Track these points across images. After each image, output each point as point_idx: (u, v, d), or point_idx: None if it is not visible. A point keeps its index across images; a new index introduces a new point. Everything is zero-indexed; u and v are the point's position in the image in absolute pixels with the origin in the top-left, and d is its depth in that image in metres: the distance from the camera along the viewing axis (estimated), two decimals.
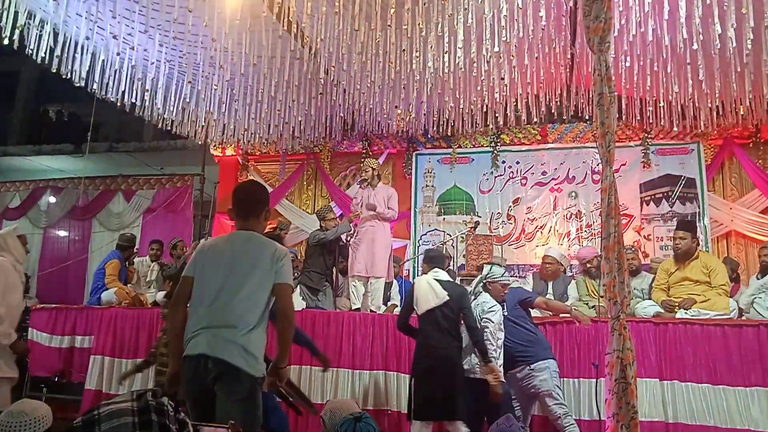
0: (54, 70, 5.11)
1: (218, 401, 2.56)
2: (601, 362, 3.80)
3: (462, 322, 4.31)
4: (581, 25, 4.62)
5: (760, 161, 7.49)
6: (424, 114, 6.92)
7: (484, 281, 4.56)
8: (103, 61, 5.52)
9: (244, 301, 2.67)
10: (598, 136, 3.08)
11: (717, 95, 6.08)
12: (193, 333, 2.65)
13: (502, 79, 5.70)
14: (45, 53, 4.92)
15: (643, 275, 6.03)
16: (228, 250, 2.80)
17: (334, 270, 6.50)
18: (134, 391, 1.28)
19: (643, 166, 7.83)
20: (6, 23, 4.56)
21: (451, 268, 6.53)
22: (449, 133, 7.51)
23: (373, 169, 6.13)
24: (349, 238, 6.27)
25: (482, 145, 8.37)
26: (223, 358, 2.55)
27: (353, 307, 5.82)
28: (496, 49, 4.69)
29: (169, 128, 6.87)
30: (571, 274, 7.04)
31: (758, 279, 5.62)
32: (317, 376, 5.21)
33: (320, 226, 6.50)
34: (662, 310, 5.10)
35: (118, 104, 5.91)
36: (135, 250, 7.60)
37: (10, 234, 4.49)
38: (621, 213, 3.20)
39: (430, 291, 4.34)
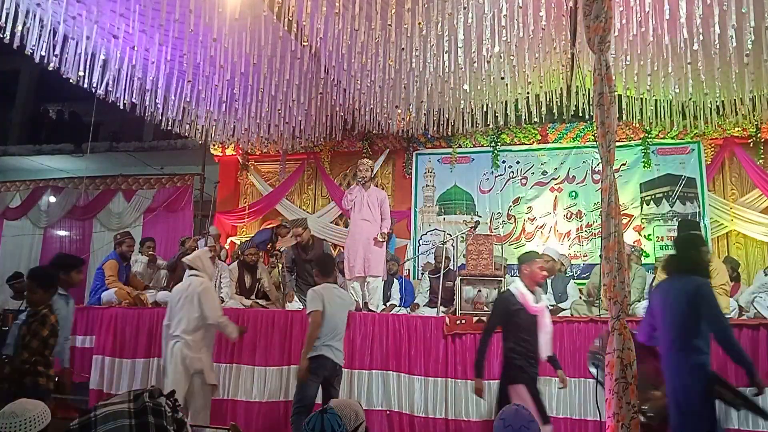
0: (54, 69, 5.11)
1: (334, 385, 4.49)
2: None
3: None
4: (581, 25, 4.61)
5: (760, 161, 7.49)
6: (424, 114, 6.90)
7: None
8: (103, 60, 5.52)
9: (343, 330, 4.67)
10: (599, 135, 3.07)
11: (717, 95, 6.07)
12: (325, 344, 4.41)
13: (502, 78, 5.69)
14: (45, 53, 4.92)
15: (647, 276, 6.01)
16: (336, 296, 4.60)
17: None
18: (131, 391, 1.27)
19: (644, 166, 7.83)
20: (6, 22, 4.55)
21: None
22: (449, 133, 7.51)
23: (370, 170, 6.13)
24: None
25: (482, 145, 8.37)
26: (341, 365, 4.57)
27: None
28: (497, 48, 4.69)
29: (169, 128, 6.86)
30: (571, 273, 7.04)
31: (766, 275, 5.59)
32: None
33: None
34: None
35: (119, 104, 5.90)
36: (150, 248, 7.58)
37: (205, 254, 5.04)
38: (621, 213, 3.19)
39: None
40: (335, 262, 5.17)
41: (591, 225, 7.86)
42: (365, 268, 5.80)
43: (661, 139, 7.79)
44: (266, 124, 7.07)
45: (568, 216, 8.03)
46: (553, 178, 8.14)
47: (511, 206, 8.21)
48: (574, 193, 8.08)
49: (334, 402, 2.42)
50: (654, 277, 5.75)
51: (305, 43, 5.33)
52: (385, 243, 6.01)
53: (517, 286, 4.20)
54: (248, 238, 7.80)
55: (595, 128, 3.15)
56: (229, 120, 7.27)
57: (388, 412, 5.10)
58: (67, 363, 4.62)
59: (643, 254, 7.40)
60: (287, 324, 5.49)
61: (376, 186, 6.68)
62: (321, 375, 4.39)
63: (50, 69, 5.07)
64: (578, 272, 7.56)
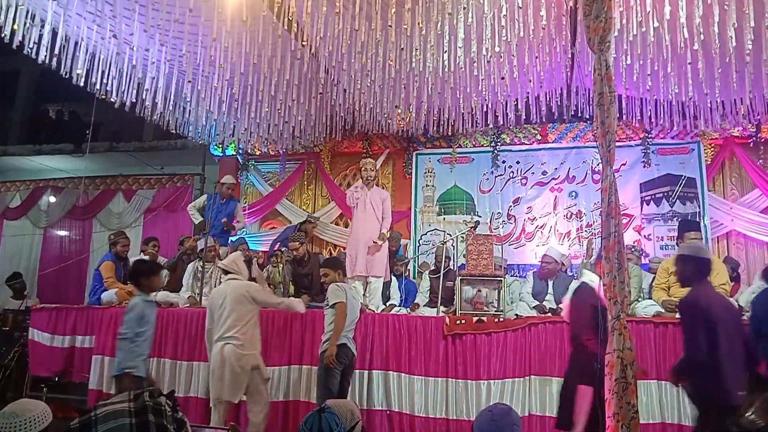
0: (55, 70, 5.12)
1: (347, 377, 4.72)
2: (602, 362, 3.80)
3: None
4: (581, 25, 4.62)
5: (760, 161, 7.49)
6: (424, 114, 6.90)
7: None
8: (103, 60, 5.52)
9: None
10: (599, 135, 3.08)
11: (717, 95, 6.07)
12: (344, 335, 4.62)
13: (503, 78, 5.69)
14: (45, 53, 4.92)
15: (643, 274, 6.03)
16: (353, 294, 4.88)
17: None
18: (132, 391, 1.27)
19: (644, 166, 7.83)
20: (6, 22, 4.55)
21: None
22: (449, 133, 7.51)
23: (374, 169, 6.16)
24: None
25: (482, 145, 8.37)
26: (355, 356, 4.81)
27: None
28: (497, 48, 4.69)
29: (169, 128, 6.87)
30: (572, 273, 7.03)
31: (761, 278, 5.59)
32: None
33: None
34: (662, 310, 5.09)
35: (118, 104, 5.90)
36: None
37: (239, 257, 5.27)
38: (621, 213, 3.19)
39: None
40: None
41: (591, 225, 7.86)
42: (367, 268, 5.79)
43: (661, 139, 7.79)
44: (266, 124, 7.07)
45: (568, 216, 8.03)
46: (553, 178, 8.14)
47: (511, 206, 8.21)
48: (574, 193, 8.07)
49: (330, 402, 2.43)
50: (654, 278, 5.74)
51: (305, 43, 5.33)
52: (385, 243, 6.01)
53: (593, 279, 3.94)
54: (243, 234, 7.85)
55: (595, 128, 3.15)
56: (229, 120, 7.27)
57: (388, 412, 5.11)
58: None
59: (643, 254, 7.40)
60: (287, 324, 5.49)
61: (376, 186, 6.68)
62: (343, 363, 4.60)
63: (53, 69, 5.07)
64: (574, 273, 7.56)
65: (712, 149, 7.69)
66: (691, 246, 3.75)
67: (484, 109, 6.58)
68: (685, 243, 4.13)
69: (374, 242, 5.89)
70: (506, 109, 6.64)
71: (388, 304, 6.18)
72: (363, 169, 6.13)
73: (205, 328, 4.95)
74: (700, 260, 3.44)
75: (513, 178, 8.27)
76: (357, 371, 5.19)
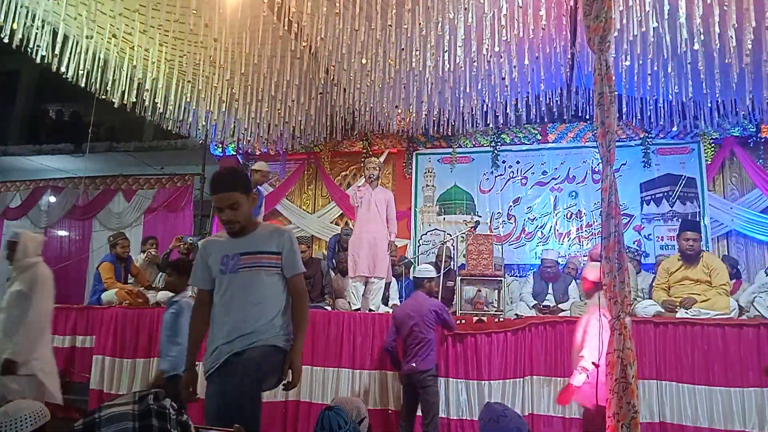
0: (54, 70, 5.12)
1: None
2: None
3: None
4: (581, 25, 4.62)
5: (760, 161, 7.49)
6: (424, 114, 6.91)
7: None
8: (103, 60, 5.52)
9: None
10: (599, 135, 3.07)
11: (717, 95, 6.07)
12: None
13: (503, 79, 5.69)
14: (45, 53, 4.92)
15: (643, 274, 6.04)
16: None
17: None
18: (136, 392, 1.27)
19: (644, 166, 7.83)
20: (6, 22, 4.56)
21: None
22: (449, 133, 7.51)
23: (379, 169, 6.13)
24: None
25: (482, 145, 8.37)
26: None
27: (353, 308, 5.81)
28: (497, 48, 4.69)
29: (169, 128, 6.86)
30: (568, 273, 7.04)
31: (767, 275, 5.59)
32: (319, 376, 5.22)
33: None
34: (662, 310, 5.10)
35: (118, 104, 5.90)
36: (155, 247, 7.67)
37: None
38: (621, 213, 3.19)
39: None
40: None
41: (591, 225, 7.86)
42: (370, 269, 5.77)
43: (661, 139, 7.79)
44: (266, 124, 7.07)
45: (568, 216, 8.04)
46: (553, 178, 8.14)
47: (511, 206, 8.22)
48: (574, 193, 8.08)
49: (338, 399, 2.43)
50: (654, 277, 5.74)
51: (305, 43, 5.33)
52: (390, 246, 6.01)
53: None
54: None
55: (595, 128, 3.15)
56: (229, 120, 7.27)
57: (390, 411, 5.11)
58: None
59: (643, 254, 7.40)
60: None
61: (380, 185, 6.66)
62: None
63: (53, 69, 5.07)
64: (578, 272, 7.55)
65: (712, 149, 7.69)
66: (418, 268, 4.96)
67: (484, 109, 6.59)
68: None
69: (391, 244, 5.95)
70: (506, 109, 6.64)
71: (390, 304, 6.18)
72: (367, 167, 6.10)
73: None
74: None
75: (513, 178, 8.28)
76: (357, 371, 5.19)
